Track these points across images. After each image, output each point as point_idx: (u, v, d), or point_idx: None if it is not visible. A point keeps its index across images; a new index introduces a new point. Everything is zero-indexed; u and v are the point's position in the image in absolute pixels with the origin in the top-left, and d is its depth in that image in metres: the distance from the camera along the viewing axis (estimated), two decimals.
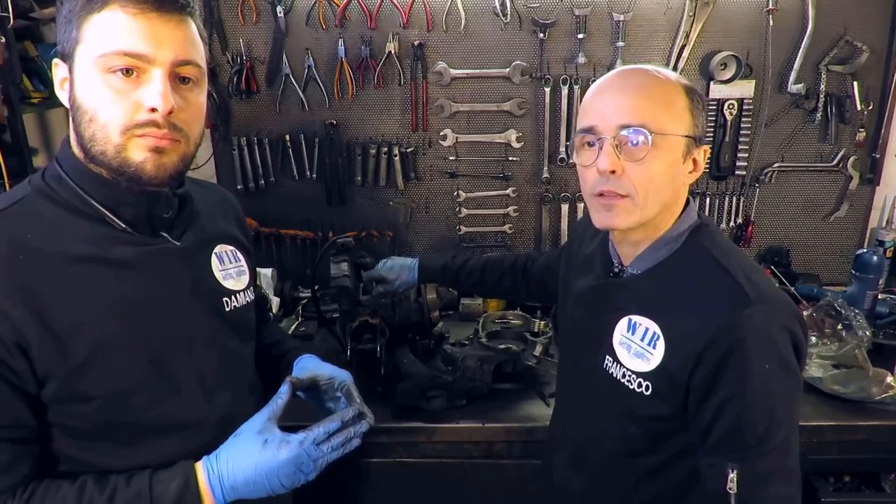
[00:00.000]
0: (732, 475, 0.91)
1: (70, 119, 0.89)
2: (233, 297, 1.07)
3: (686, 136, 1.00)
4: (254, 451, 0.94)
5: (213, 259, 1.06)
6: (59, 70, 0.89)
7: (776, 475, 0.92)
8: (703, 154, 1.04)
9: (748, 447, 0.92)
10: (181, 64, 0.87)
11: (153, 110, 0.84)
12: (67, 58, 0.86)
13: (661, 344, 1.00)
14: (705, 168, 1.06)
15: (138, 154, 0.86)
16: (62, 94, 0.89)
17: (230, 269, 1.09)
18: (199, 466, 0.93)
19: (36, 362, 0.83)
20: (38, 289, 0.84)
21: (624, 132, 0.96)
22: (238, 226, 1.19)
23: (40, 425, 0.88)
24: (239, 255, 1.13)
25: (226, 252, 1.09)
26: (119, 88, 0.84)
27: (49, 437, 0.89)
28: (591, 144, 1.01)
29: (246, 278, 1.12)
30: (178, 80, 0.88)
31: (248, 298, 1.12)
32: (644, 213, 1.00)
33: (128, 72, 0.83)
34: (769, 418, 0.92)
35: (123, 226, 0.93)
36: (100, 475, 0.89)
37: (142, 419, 0.93)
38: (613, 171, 0.97)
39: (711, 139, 2.17)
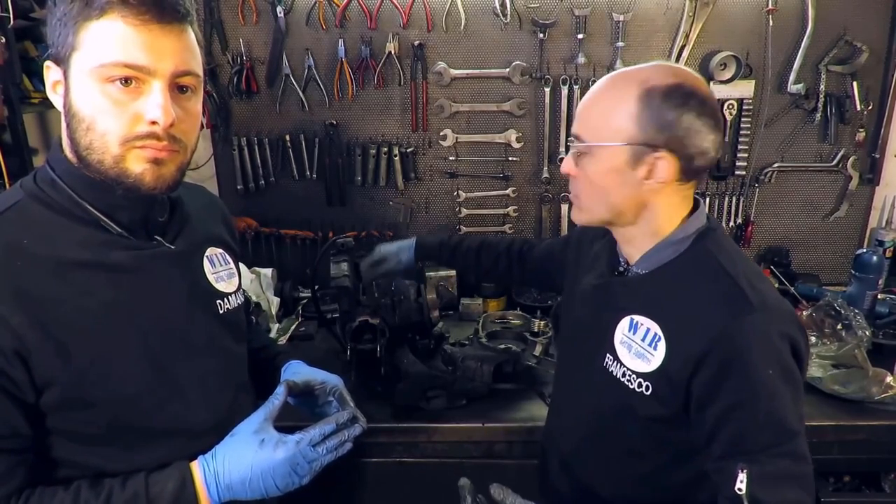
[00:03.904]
0: (742, 475, 0.89)
1: (64, 123, 0.87)
2: (225, 300, 1.07)
3: (628, 145, 0.97)
4: (250, 450, 0.94)
5: (205, 262, 1.06)
6: (51, 73, 0.86)
7: (788, 479, 0.91)
8: (666, 162, 0.97)
9: (758, 451, 0.91)
10: (181, 75, 0.86)
11: (154, 123, 0.83)
12: (62, 62, 0.83)
13: (661, 345, 0.99)
14: None
15: (137, 165, 0.85)
16: (55, 98, 0.88)
17: (221, 272, 1.09)
18: (196, 466, 0.93)
19: (35, 370, 0.83)
20: (36, 295, 0.83)
21: (569, 140, 1.07)
22: (226, 228, 1.18)
23: (40, 433, 0.87)
24: (228, 257, 1.13)
25: (216, 255, 1.09)
26: (118, 99, 0.82)
27: (52, 444, 0.89)
28: None
29: (236, 280, 1.13)
30: (176, 89, 0.87)
31: (238, 300, 1.12)
32: (592, 215, 1.08)
33: (126, 81, 0.82)
34: (777, 423, 0.91)
35: (119, 230, 0.92)
36: (94, 479, 0.89)
37: (147, 423, 0.93)
38: (569, 175, 1.08)
39: None
